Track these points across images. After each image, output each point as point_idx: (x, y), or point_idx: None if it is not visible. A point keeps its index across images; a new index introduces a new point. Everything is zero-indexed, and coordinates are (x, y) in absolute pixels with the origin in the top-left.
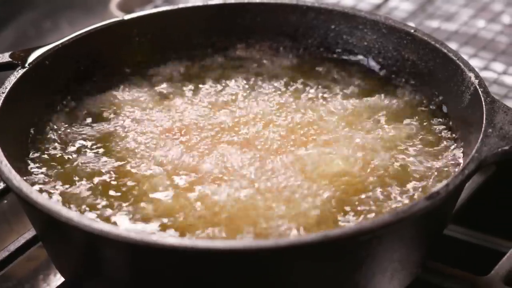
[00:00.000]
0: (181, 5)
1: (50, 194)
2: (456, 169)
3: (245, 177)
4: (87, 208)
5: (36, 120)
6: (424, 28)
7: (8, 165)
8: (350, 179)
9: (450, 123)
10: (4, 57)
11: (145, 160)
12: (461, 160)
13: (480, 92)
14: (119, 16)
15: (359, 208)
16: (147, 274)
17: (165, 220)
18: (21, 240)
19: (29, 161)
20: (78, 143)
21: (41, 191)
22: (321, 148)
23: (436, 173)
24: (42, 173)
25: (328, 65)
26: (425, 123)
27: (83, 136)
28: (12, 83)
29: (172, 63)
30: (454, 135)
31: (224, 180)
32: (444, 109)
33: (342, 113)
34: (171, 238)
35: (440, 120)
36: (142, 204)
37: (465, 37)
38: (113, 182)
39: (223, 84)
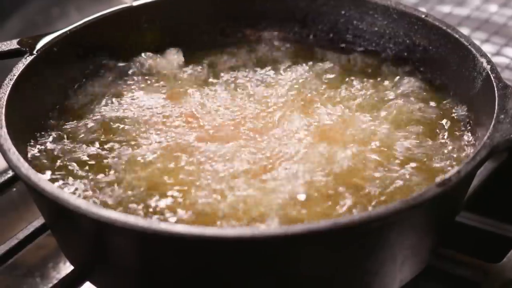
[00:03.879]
0: None
1: (58, 182)
2: (468, 156)
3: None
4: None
5: (44, 107)
6: (436, 13)
7: (17, 153)
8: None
9: (462, 109)
10: (12, 44)
11: (154, 147)
12: (473, 146)
13: (492, 77)
14: (127, 2)
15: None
16: (155, 261)
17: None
18: (30, 228)
19: (37, 149)
20: (86, 131)
21: (49, 179)
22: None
23: (447, 160)
24: (49, 161)
25: (338, 52)
26: (436, 109)
27: (92, 123)
28: (20, 70)
29: (180, 49)
30: (465, 121)
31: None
32: (456, 95)
33: (352, 99)
34: (179, 225)
35: (452, 106)
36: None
37: (477, 22)
38: (123, 172)
39: (235, 71)
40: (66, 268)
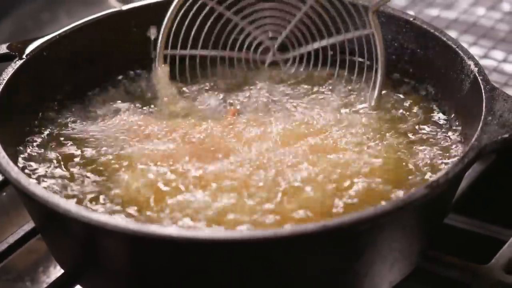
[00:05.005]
0: None
1: (47, 186)
2: (456, 158)
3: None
4: (88, 202)
5: (33, 112)
6: (424, 16)
7: (6, 157)
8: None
9: (450, 111)
10: (2, 49)
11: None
12: (461, 149)
13: (479, 80)
14: (117, 7)
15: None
16: (146, 265)
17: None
18: (20, 232)
19: (27, 153)
20: (76, 136)
21: (39, 183)
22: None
23: (435, 161)
24: (39, 165)
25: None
26: (424, 111)
27: (81, 129)
28: (10, 74)
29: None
30: (453, 123)
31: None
32: (444, 97)
33: (341, 102)
34: (169, 228)
35: (440, 108)
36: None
37: (465, 25)
38: (113, 177)
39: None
40: (57, 272)
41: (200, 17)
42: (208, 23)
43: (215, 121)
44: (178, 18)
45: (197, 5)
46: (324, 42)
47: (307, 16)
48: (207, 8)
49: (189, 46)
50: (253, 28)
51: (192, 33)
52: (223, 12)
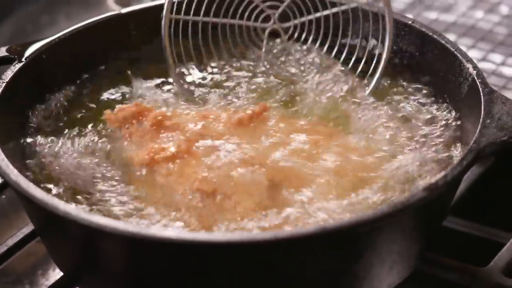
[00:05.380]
0: None
1: (47, 189)
2: (454, 160)
3: None
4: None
5: (32, 114)
6: (422, 19)
7: (6, 159)
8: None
9: (448, 114)
10: (1, 51)
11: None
12: (459, 151)
13: (478, 83)
14: (116, 10)
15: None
16: (145, 267)
17: None
18: (20, 235)
19: (26, 156)
20: (75, 138)
21: (38, 185)
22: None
23: (434, 164)
24: (39, 167)
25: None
26: (422, 114)
27: (81, 131)
28: (9, 77)
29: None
30: (452, 126)
31: None
32: (442, 100)
33: (339, 106)
34: (169, 231)
35: (438, 111)
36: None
37: (463, 28)
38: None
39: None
40: (56, 274)
41: None
42: None
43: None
44: None
45: None
46: (326, 12)
47: None
48: None
49: (191, 12)
50: None
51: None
52: None
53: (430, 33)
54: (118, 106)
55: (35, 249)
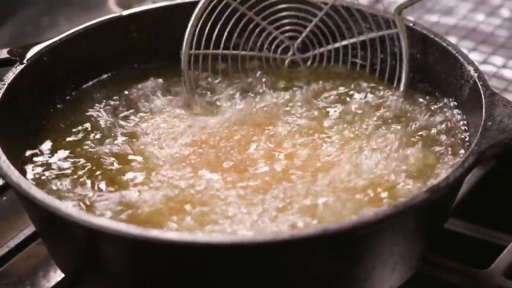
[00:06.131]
0: (179, 0)
1: (50, 191)
2: (456, 162)
3: None
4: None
5: (34, 116)
6: (423, 22)
7: (7, 161)
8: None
9: (449, 116)
10: (2, 53)
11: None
12: (461, 153)
13: (479, 85)
14: (117, 12)
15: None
16: (146, 269)
17: None
18: (21, 237)
19: (28, 157)
20: (78, 139)
21: (41, 188)
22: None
23: (434, 166)
24: (39, 169)
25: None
26: (424, 117)
27: (83, 132)
28: (11, 79)
29: (170, 58)
30: (453, 128)
31: None
32: (443, 102)
33: (343, 109)
34: (170, 233)
35: (439, 113)
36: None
37: (464, 31)
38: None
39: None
40: (57, 276)
41: (223, 18)
42: (231, 23)
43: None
44: (203, 18)
45: (221, 5)
46: (345, 42)
47: (328, 16)
48: (230, 9)
49: (211, 46)
50: (274, 28)
51: (215, 33)
52: (245, 12)
53: (432, 36)
54: None
55: (36, 250)
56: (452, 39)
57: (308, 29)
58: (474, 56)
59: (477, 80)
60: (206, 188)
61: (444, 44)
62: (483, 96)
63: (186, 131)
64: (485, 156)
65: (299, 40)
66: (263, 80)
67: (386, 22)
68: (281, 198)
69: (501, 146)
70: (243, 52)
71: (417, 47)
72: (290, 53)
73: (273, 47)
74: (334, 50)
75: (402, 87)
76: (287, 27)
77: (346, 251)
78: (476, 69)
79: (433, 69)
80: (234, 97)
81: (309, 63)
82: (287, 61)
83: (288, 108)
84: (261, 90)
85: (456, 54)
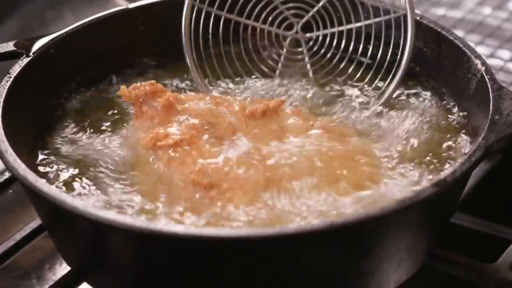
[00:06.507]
0: None
1: (57, 184)
2: (463, 156)
3: None
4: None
5: (41, 109)
6: (430, 16)
7: (13, 154)
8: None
9: (457, 110)
10: (9, 46)
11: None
12: (468, 147)
13: (486, 79)
14: (123, 5)
15: None
16: (152, 262)
17: None
18: (27, 230)
19: (34, 150)
20: (84, 132)
21: (47, 181)
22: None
23: (442, 160)
24: (47, 162)
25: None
26: (431, 110)
27: (89, 124)
28: (17, 72)
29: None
30: (460, 122)
31: None
32: (450, 96)
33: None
34: (176, 226)
35: (446, 107)
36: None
37: (471, 25)
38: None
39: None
40: (63, 269)
41: None
42: None
43: None
44: None
45: None
46: (350, 25)
47: None
48: None
49: (216, 6)
50: (280, 3)
51: None
52: None
53: (439, 29)
54: (133, 84)
55: (42, 243)
56: (459, 33)
57: (315, 9)
58: (481, 50)
59: (484, 73)
60: None
61: (451, 38)
62: (490, 90)
63: None
64: (492, 150)
65: (304, 19)
66: None
67: (393, 6)
68: None
69: (508, 140)
70: (247, 21)
71: (424, 41)
72: (294, 30)
73: (277, 22)
74: (337, 33)
75: (400, 73)
76: (294, 4)
77: (353, 245)
78: (484, 63)
79: (439, 63)
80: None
81: (311, 43)
82: (288, 39)
83: None
84: None
85: (463, 48)
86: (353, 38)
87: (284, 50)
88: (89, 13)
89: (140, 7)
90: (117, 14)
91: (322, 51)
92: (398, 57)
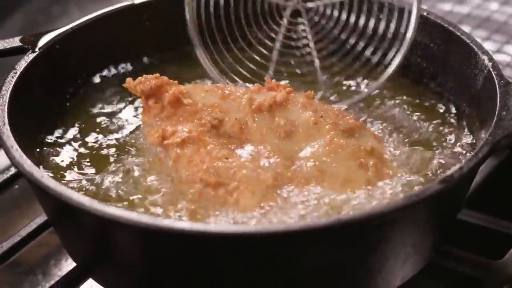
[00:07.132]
0: None
1: (62, 179)
2: (470, 153)
3: None
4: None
5: (46, 104)
6: (437, 11)
7: (19, 150)
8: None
9: (464, 106)
10: (15, 42)
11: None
12: (474, 143)
13: (493, 74)
14: (129, 0)
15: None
16: (158, 258)
17: None
18: (33, 225)
19: (40, 146)
20: (90, 127)
21: (53, 176)
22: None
23: (448, 156)
24: (52, 158)
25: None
26: (438, 106)
27: (95, 120)
28: (23, 67)
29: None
30: (467, 118)
31: None
32: (457, 92)
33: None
34: (182, 222)
35: (453, 103)
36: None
37: (478, 20)
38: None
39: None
40: (68, 265)
41: None
42: None
43: None
44: None
45: None
46: None
47: None
48: None
49: None
50: None
51: None
52: None
53: (445, 25)
54: (139, 78)
55: (48, 239)
56: (466, 28)
57: None
58: (488, 46)
59: (491, 69)
60: None
61: (458, 33)
62: (497, 86)
63: None
64: (499, 146)
65: None
66: None
67: None
68: None
69: None
70: None
71: (431, 36)
72: (295, 1)
73: None
74: (339, 3)
75: (397, 62)
76: None
77: (360, 241)
78: (491, 59)
79: (446, 58)
80: None
81: (311, 14)
82: (288, 10)
83: None
84: None
85: (470, 43)
86: (356, 9)
87: (284, 20)
88: (95, 8)
89: (146, 2)
90: (123, 10)
91: (324, 22)
92: (403, 30)
